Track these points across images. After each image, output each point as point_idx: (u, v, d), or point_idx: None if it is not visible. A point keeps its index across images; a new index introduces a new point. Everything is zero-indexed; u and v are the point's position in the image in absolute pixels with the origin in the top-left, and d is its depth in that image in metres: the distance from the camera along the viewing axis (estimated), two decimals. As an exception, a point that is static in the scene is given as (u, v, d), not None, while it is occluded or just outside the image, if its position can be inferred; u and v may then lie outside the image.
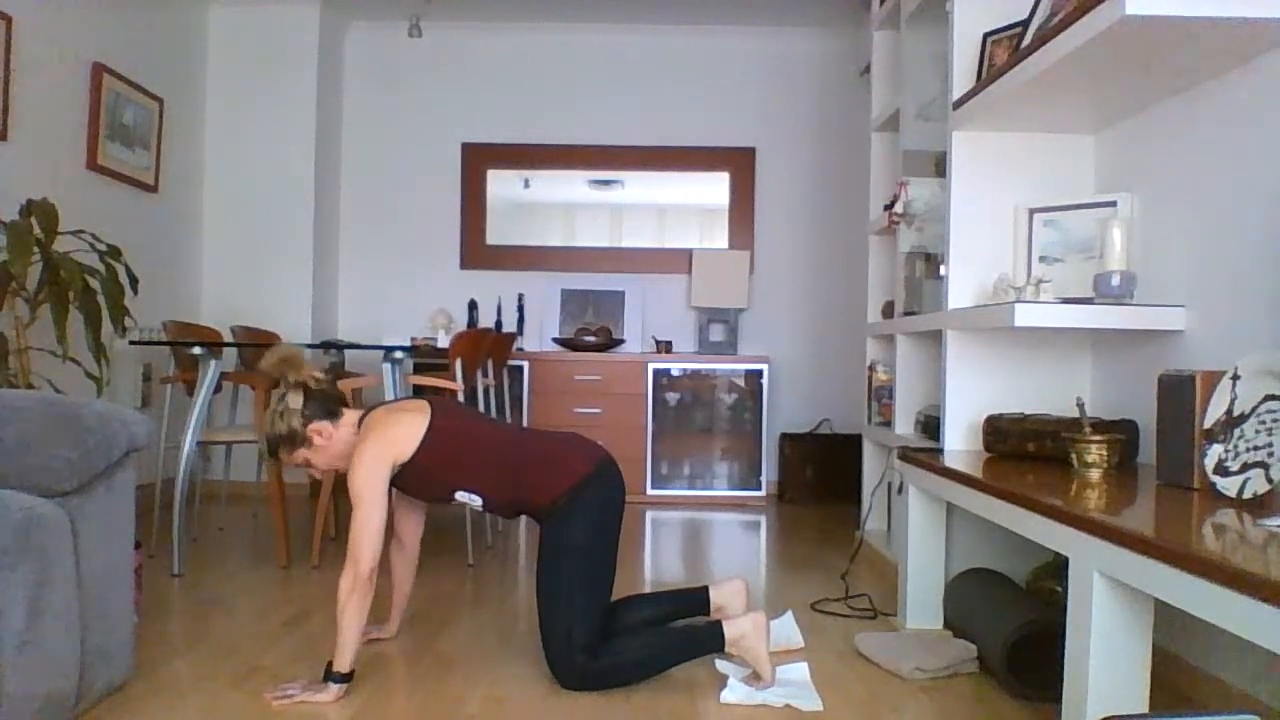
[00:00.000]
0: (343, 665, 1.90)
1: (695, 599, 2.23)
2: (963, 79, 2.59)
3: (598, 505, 2.03)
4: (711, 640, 1.98)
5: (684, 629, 2.05)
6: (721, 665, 2.10)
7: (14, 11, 3.21)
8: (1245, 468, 1.64)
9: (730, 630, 1.97)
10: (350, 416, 2.07)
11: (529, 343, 5.00)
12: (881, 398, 3.44)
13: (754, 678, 1.99)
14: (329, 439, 2.04)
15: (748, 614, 2.01)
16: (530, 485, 2.03)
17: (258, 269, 4.66)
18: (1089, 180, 2.59)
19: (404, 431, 1.98)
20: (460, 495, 2.05)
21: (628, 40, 5.04)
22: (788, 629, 2.33)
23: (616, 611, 2.14)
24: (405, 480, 2.04)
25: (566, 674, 1.97)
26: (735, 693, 1.93)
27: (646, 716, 1.85)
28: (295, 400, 2.02)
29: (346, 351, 4.02)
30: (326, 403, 2.05)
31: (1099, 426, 2.13)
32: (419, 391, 3.25)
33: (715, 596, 2.23)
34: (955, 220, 2.59)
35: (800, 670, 2.07)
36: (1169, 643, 2.10)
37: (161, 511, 3.31)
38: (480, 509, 2.09)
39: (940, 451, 2.49)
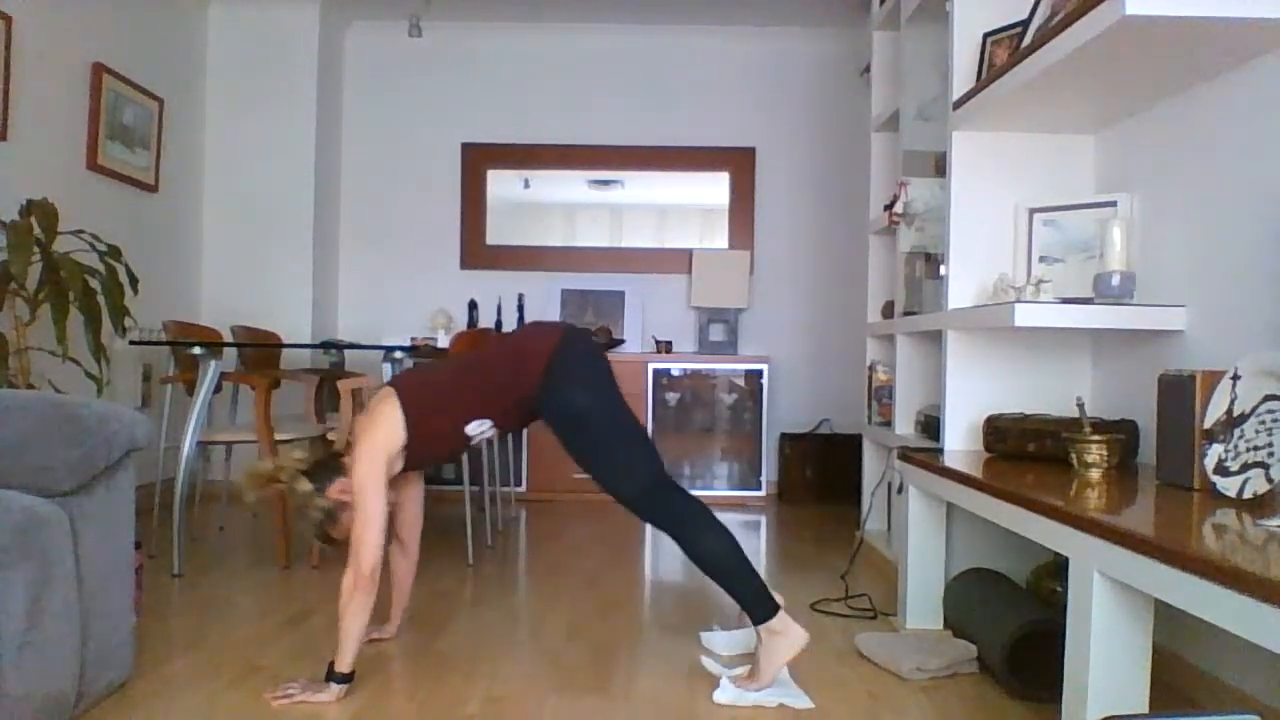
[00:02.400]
0: (344, 665, 1.90)
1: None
2: (963, 79, 2.59)
3: (579, 364, 2.04)
4: (765, 601, 1.95)
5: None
6: (708, 663, 2.11)
7: (14, 11, 3.21)
8: (1245, 468, 1.64)
9: (780, 621, 1.94)
10: (349, 457, 2.05)
11: (529, 343, 4.99)
12: (881, 398, 3.44)
13: (746, 678, 1.97)
14: (350, 490, 2.02)
15: (798, 626, 1.97)
16: (513, 384, 2.04)
17: (258, 269, 4.66)
18: (1089, 180, 2.59)
19: (386, 424, 2.00)
20: (470, 429, 2.05)
21: (627, 40, 5.03)
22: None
23: None
24: (417, 455, 2.05)
25: (639, 496, 1.98)
26: (726, 694, 1.93)
27: (646, 715, 1.86)
28: (303, 486, 2.01)
29: (346, 351, 4.03)
30: (327, 466, 2.05)
31: (1099, 426, 2.13)
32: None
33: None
34: (955, 220, 2.59)
35: (783, 670, 2.04)
36: (1169, 643, 2.10)
37: (161, 511, 3.31)
38: (496, 432, 2.10)
39: (940, 451, 2.49)
